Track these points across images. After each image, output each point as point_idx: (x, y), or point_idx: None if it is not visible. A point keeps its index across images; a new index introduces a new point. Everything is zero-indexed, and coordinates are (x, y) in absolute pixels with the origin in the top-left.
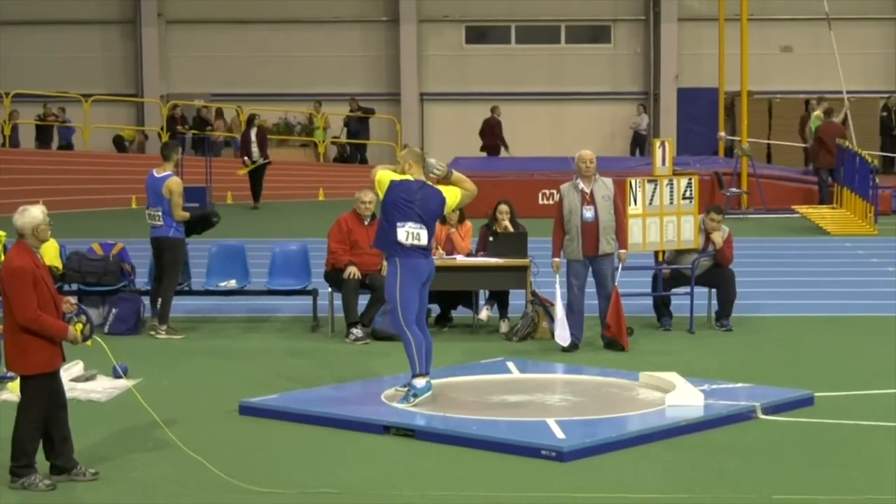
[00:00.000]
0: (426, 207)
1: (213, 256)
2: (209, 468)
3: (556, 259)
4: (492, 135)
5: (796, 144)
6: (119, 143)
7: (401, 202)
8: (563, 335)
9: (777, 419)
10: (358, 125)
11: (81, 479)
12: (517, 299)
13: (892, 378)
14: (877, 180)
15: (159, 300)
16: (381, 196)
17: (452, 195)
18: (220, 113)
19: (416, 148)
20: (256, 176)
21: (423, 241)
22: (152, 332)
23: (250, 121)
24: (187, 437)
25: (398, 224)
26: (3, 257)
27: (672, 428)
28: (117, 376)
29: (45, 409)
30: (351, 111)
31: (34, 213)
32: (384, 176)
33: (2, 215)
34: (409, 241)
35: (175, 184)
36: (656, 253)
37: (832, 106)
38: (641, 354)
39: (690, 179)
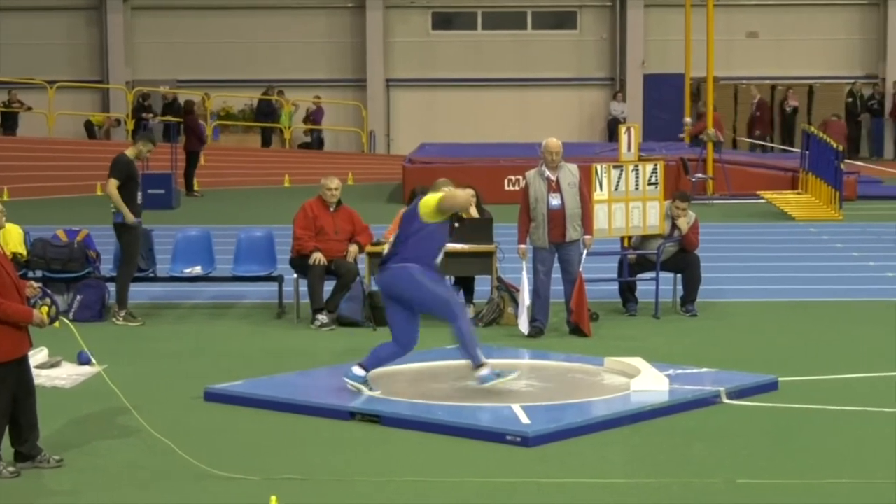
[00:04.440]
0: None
1: (178, 243)
2: (174, 455)
3: (522, 245)
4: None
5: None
6: (89, 128)
7: None
8: (523, 323)
9: (741, 404)
10: (267, 109)
11: (46, 466)
12: (483, 285)
13: (856, 363)
14: (842, 166)
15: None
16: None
17: (424, 200)
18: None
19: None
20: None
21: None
22: (114, 319)
23: (194, 108)
24: (152, 424)
25: None
26: None
27: (637, 413)
28: (82, 362)
29: (11, 397)
30: (265, 94)
31: None
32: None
33: None
34: None
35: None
36: (622, 238)
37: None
38: (607, 340)
39: (656, 165)
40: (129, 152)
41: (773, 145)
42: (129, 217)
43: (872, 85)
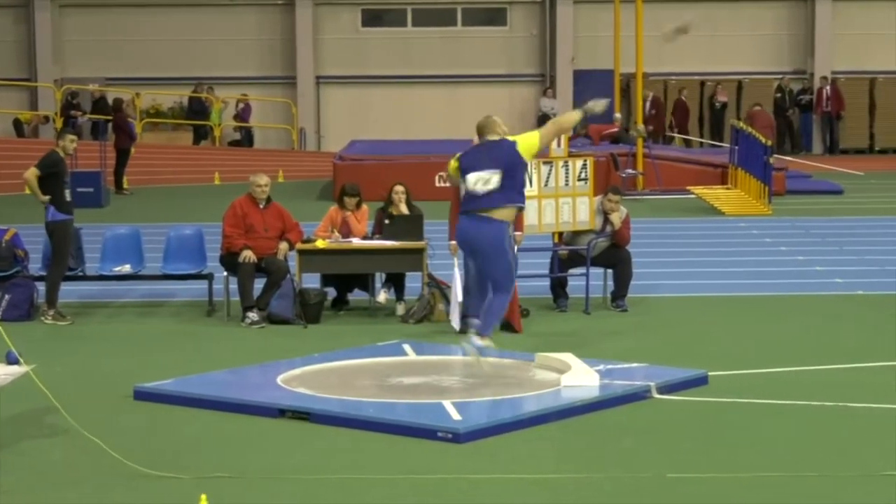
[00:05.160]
0: (492, 156)
1: (108, 241)
2: (104, 454)
3: (453, 242)
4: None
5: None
6: (18, 126)
7: (469, 161)
8: (454, 319)
9: (671, 398)
10: (198, 106)
11: None
12: (414, 282)
13: (785, 357)
14: (771, 161)
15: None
16: (458, 179)
17: (523, 138)
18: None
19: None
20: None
21: (493, 184)
22: (42, 318)
23: (123, 105)
24: (82, 423)
25: (467, 176)
26: None
27: (567, 408)
28: (10, 362)
29: None
30: (194, 91)
31: None
32: (452, 164)
33: None
34: (476, 186)
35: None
36: (553, 234)
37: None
38: (537, 335)
39: (586, 161)
40: (60, 150)
41: (675, 135)
42: (41, 198)
43: (801, 80)
